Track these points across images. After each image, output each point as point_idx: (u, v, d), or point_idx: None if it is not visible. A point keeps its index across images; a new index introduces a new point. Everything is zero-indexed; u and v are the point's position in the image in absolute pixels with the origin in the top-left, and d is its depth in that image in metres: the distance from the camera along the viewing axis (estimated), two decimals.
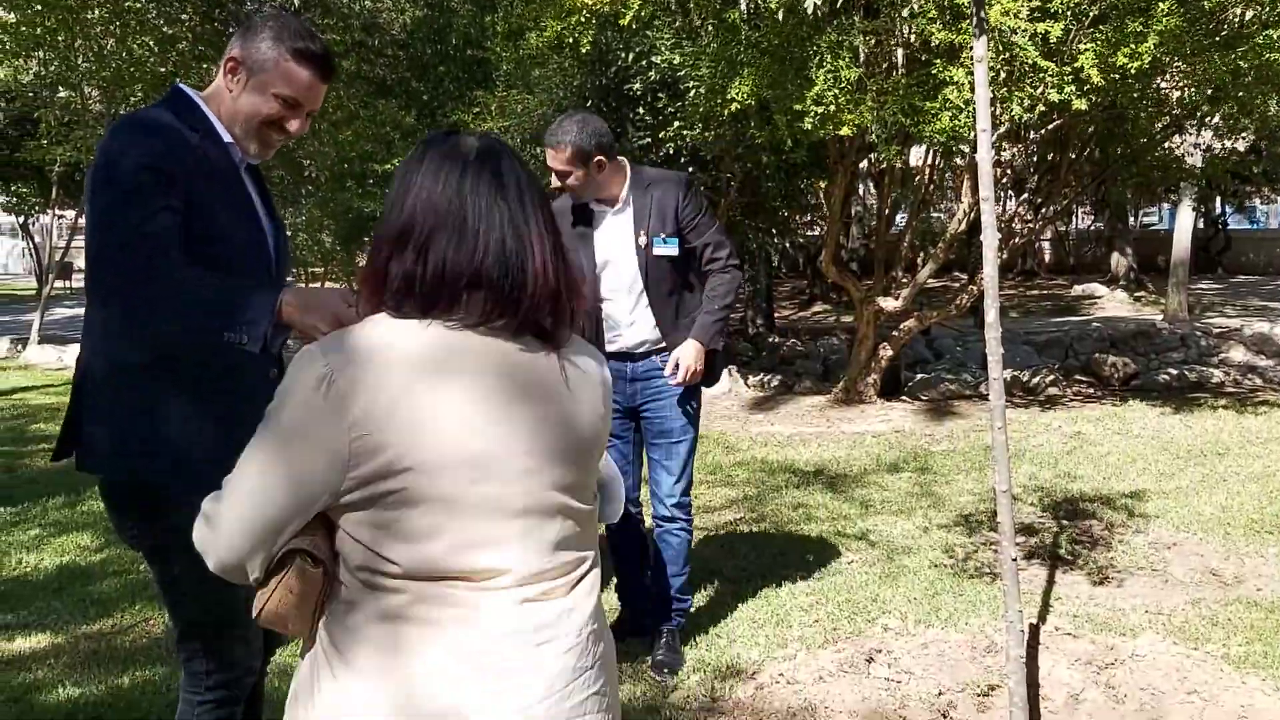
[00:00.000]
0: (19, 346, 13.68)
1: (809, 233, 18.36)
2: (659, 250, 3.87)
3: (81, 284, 23.43)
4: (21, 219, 20.69)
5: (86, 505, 6.13)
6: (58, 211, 17.04)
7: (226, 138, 2.32)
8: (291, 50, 2.28)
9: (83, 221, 13.00)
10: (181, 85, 2.38)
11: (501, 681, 1.50)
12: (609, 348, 3.91)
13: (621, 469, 3.66)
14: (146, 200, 2.11)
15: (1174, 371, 10.37)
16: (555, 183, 3.83)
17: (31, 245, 22.87)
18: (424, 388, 1.48)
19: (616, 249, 3.91)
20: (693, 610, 4.40)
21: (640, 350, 3.95)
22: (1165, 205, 26.28)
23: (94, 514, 5.97)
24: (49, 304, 15.11)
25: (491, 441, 1.51)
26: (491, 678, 1.49)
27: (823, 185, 10.50)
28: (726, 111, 7.32)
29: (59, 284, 21.58)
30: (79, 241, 22.97)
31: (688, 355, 3.82)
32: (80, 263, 27.30)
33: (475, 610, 1.50)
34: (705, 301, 3.94)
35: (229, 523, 1.51)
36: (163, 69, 10.82)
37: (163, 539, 2.24)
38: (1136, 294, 20.78)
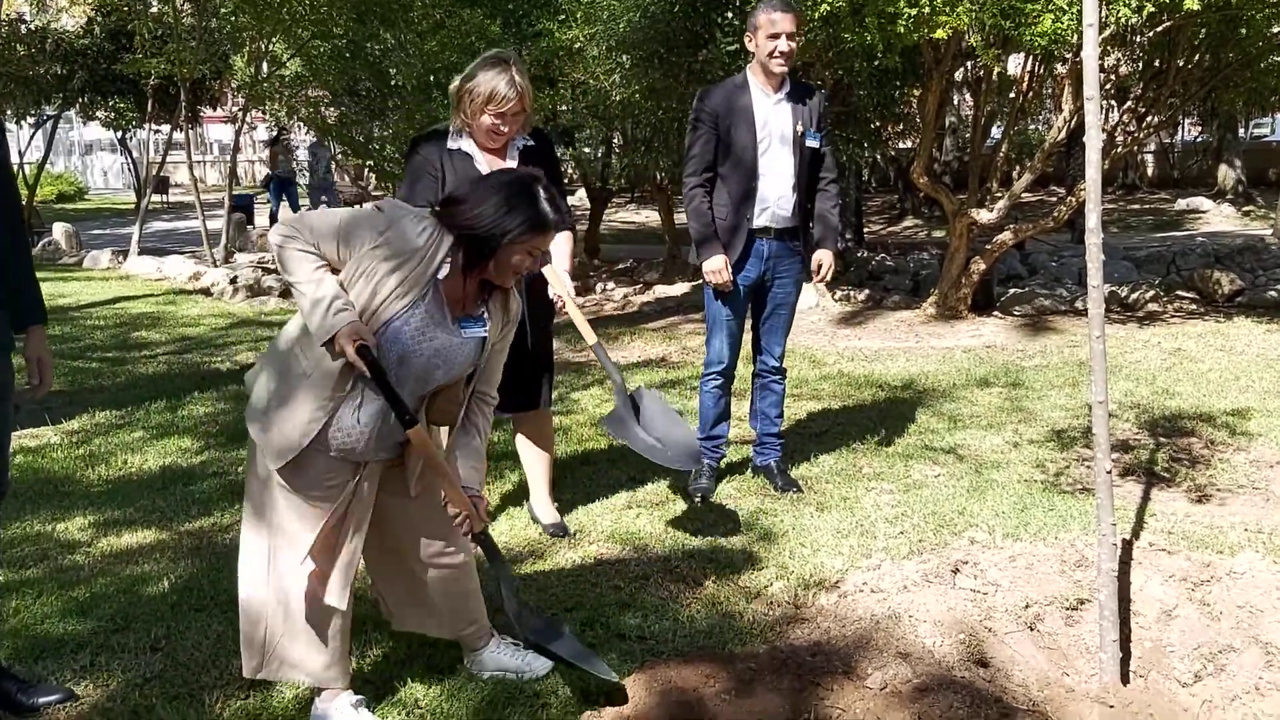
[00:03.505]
0: (120, 258, 14.08)
1: (900, 145, 17.92)
2: (810, 142, 4.62)
3: (177, 198, 23.83)
4: (119, 134, 21.10)
5: (187, 410, 6.34)
6: (153, 126, 17.35)
7: None
8: None
9: (178, 136, 13.16)
10: None
11: None
12: (756, 224, 4.61)
13: (736, 340, 4.79)
14: None
15: None
16: (784, 46, 4.44)
17: (129, 160, 23.38)
18: None
19: (779, 132, 4.56)
20: (776, 522, 4.42)
21: (781, 229, 4.67)
22: (1279, 115, 25.01)
23: (194, 418, 6.16)
24: (147, 217, 15.48)
25: None
26: None
27: (916, 94, 10.19)
28: (816, 14, 7.10)
29: (156, 198, 22.09)
30: (174, 156, 23.42)
31: (830, 259, 4.75)
32: (177, 177, 27.94)
33: None
34: (830, 217, 4.79)
35: None
36: None
37: None
38: (1245, 209, 19.91)
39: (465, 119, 3.92)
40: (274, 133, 18.93)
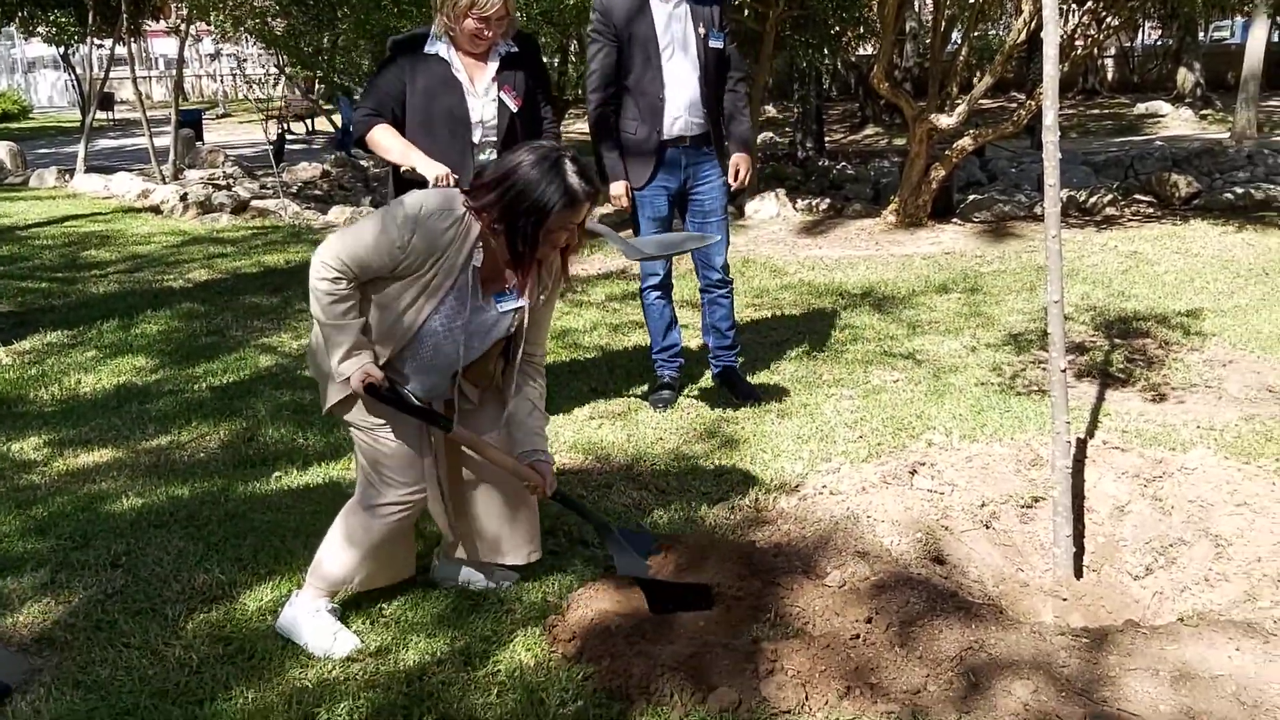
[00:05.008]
0: (66, 176, 13.74)
1: (861, 51, 17.73)
2: (714, 43, 4.49)
3: (123, 115, 23.10)
4: (61, 50, 20.41)
5: (140, 328, 6.24)
6: (96, 41, 16.77)
7: None
8: None
9: (121, 50, 12.72)
10: None
11: None
12: (669, 134, 4.47)
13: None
14: None
15: (1239, 190, 10.00)
16: None
17: (73, 76, 22.67)
18: None
19: (681, 37, 4.44)
20: (737, 429, 4.44)
21: (695, 135, 4.54)
22: (1239, 17, 24.95)
23: (148, 336, 6.08)
24: (93, 134, 15.08)
25: None
26: None
27: None
28: None
29: (100, 115, 21.51)
30: (118, 72, 22.69)
31: (747, 163, 4.64)
32: (122, 93, 27.15)
33: None
34: (740, 116, 4.69)
35: None
36: None
37: None
38: (1203, 112, 19.98)
39: (448, 23, 3.82)
40: None
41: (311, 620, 2.86)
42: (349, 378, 2.70)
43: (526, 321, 2.89)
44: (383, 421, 2.81)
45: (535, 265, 2.76)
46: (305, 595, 2.92)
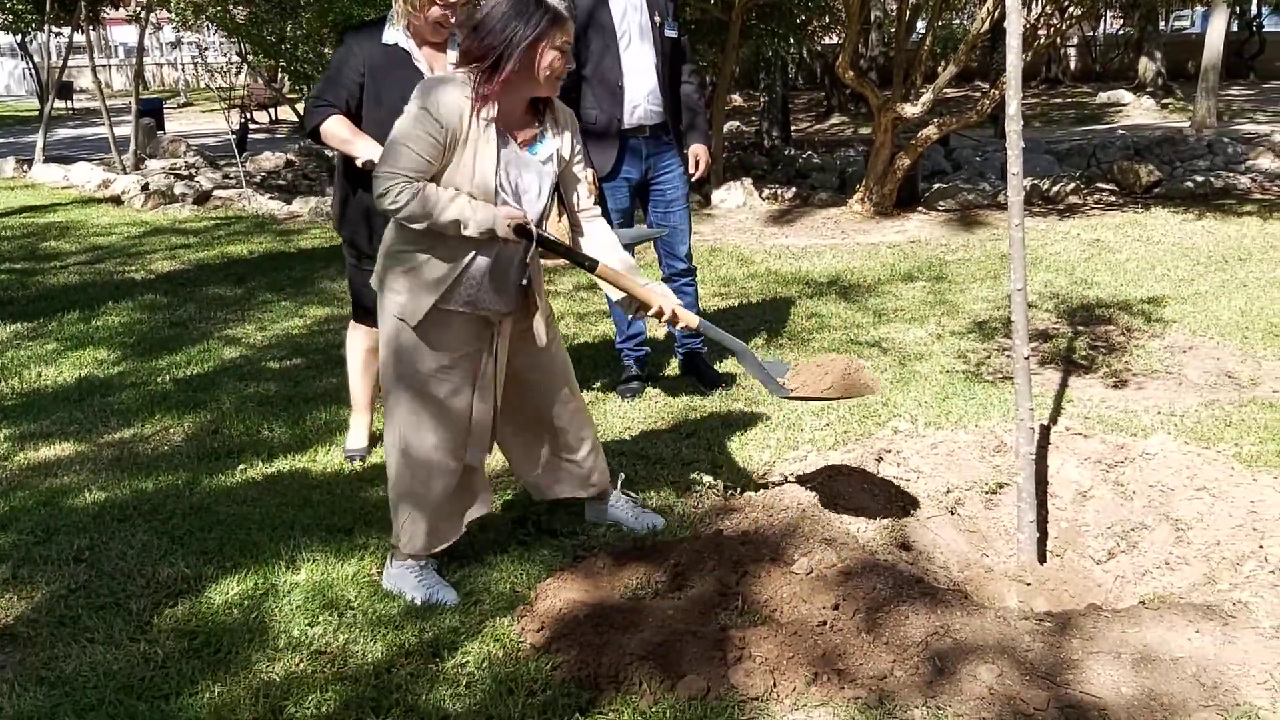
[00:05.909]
0: (25, 166, 13.54)
1: (826, 40, 17.77)
2: (669, 32, 4.53)
3: (82, 104, 22.78)
4: (19, 38, 20.07)
5: (102, 320, 6.17)
6: (54, 29, 16.49)
7: None
8: None
9: (80, 38, 12.53)
10: None
11: None
12: (629, 123, 4.49)
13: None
14: None
15: (1199, 178, 10.12)
16: None
17: (31, 65, 22.32)
18: None
19: (637, 26, 4.47)
20: (705, 418, 4.45)
21: (654, 124, 4.57)
22: (1199, 7, 25.23)
23: (110, 328, 6.01)
24: (51, 124, 14.87)
25: None
26: None
27: None
28: None
29: (59, 104, 21.20)
30: (77, 60, 22.34)
31: (706, 154, 4.71)
32: (81, 82, 26.77)
33: None
34: (697, 108, 4.77)
35: None
36: None
37: None
38: (1164, 101, 20.18)
39: (410, 11, 3.69)
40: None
41: (411, 578, 3.04)
42: (494, 230, 2.77)
43: (559, 167, 2.98)
44: (451, 360, 2.91)
45: (546, 109, 2.91)
46: (394, 560, 3.07)
